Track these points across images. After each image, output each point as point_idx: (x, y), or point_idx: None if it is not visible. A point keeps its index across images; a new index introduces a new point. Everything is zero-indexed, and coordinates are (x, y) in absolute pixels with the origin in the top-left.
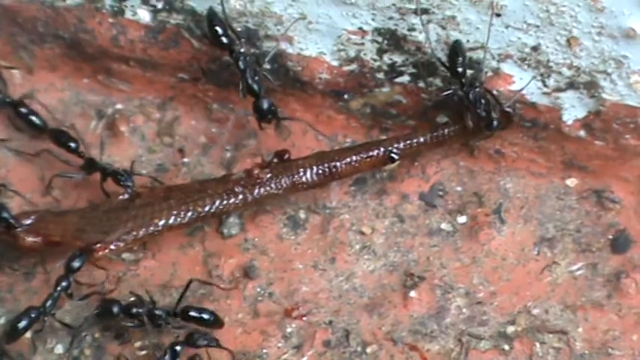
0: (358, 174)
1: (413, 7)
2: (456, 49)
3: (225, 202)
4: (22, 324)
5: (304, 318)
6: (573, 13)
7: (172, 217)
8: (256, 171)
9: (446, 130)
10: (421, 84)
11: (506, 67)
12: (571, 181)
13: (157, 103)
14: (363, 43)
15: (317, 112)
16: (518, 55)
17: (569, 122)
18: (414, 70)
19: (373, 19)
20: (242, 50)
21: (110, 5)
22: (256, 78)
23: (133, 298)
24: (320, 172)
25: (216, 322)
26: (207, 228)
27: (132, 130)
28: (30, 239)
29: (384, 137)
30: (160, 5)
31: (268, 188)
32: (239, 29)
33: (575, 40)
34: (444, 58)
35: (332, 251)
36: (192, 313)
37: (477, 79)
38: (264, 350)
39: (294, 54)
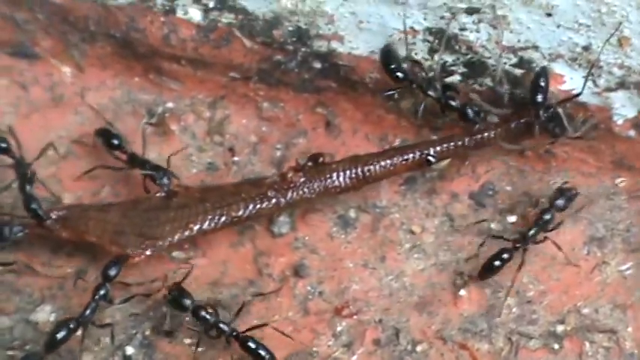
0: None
1: (464, 6)
2: (540, 77)
3: (258, 206)
4: (61, 335)
5: (354, 316)
6: (625, 12)
7: (207, 222)
8: (290, 174)
9: (485, 134)
10: (472, 83)
11: (557, 67)
12: (621, 181)
13: (207, 101)
14: (414, 43)
15: (367, 111)
16: (569, 55)
17: (620, 122)
18: (464, 70)
19: (425, 19)
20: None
21: (161, 4)
22: (448, 94)
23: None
24: (353, 176)
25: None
26: (257, 227)
27: (182, 129)
28: (65, 234)
29: (420, 140)
30: (211, 4)
31: (301, 192)
32: (290, 29)
33: (626, 40)
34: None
35: (382, 250)
36: (251, 344)
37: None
38: (315, 348)
39: (344, 53)
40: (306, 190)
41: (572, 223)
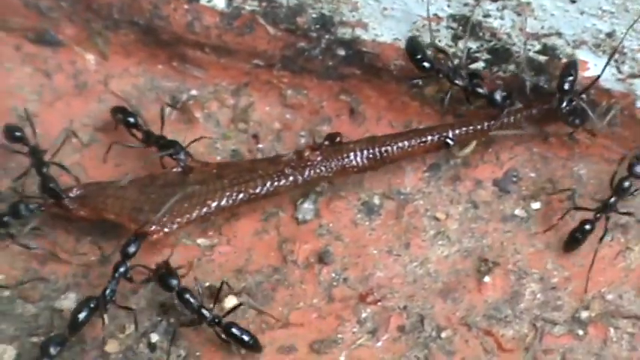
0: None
1: None
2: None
3: (275, 183)
4: (82, 315)
5: (379, 303)
6: None
7: (225, 199)
8: (307, 153)
9: (505, 119)
10: (496, 70)
11: (582, 54)
12: None
13: (231, 89)
14: (437, 30)
15: (391, 98)
16: (592, 42)
17: None
18: (488, 57)
19: (448, 6)
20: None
21: None
22: (474, 81)
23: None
24: (371, 156)
25: (255, 346)
26: (281, 214)
27: (206, 116)
28: (82, 213)
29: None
30: None
31: (318, 170)
32: (313, 16)
33: None
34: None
35: (406, 237)
36: (234, 330)
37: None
38: (339, 335)
39: (368, 40)
40: (323, 168)
41: None
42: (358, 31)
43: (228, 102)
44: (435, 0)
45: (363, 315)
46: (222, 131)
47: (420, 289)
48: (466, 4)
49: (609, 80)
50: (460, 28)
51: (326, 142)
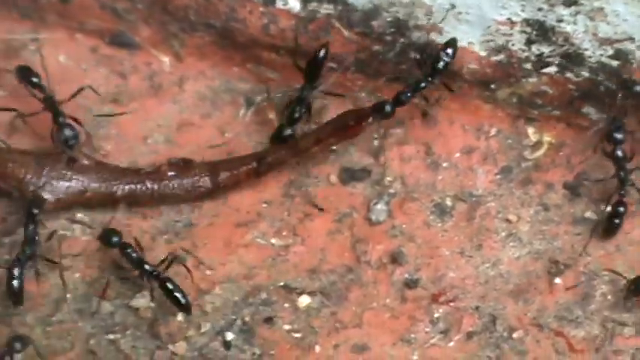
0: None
1: None
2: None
3: (135, 189)
4: (16, 282)
5: (451, 303)
6: None
7: (96, 194)
8: (164, 167)
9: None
10: (568, 74)
11: None
12: None
13: None
14: (511, 34)
15: (464, 101)
16: None
17: None
18: (561, 61)
19: (522, 10)
20: None
21: None
22: None
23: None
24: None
25: (186, 306)
26: (355, 214)
27: (280, 118)
28: None
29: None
30: None
31: (171, 186)
32: (388, 19)
33: None
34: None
35: (478, 238)
36: (169, 285)
37: None
38: (412, 335)
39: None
40: (175, 185)
41: None
42: (432, 35)
43: None
44: (510, 5)
45: (436, 315)
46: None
47: (491, 290)
48: (540, 9)
49: None
50: (534, 32)
51: (180, 163)
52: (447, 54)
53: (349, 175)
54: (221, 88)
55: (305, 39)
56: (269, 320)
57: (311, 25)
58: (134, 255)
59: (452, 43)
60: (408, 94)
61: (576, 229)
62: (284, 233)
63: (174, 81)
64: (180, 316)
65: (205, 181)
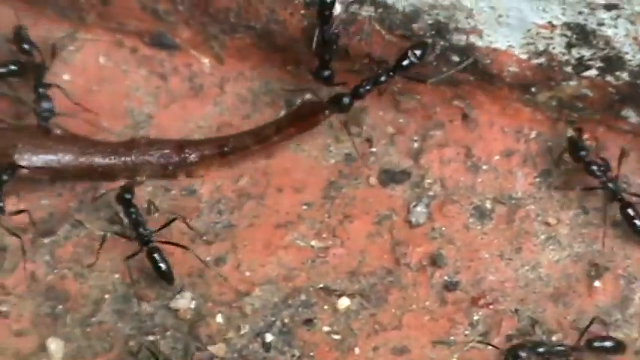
0: None
1: (603, 2)
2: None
3: (108, 159)
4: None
5: (490, 306)
6: None
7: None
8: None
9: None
10: (609, 78)
11: None
12: None
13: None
14: (552, 37)
15: (504, 104)
16: None
17: None
18: (601, 64)
19: (563, 14)
20: None
21: None
22: None
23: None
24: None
25: (168, 277)
26: (394, 217)
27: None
28: None
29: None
30: None
31: (146, 157)
32: (429, 22)
33: None
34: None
35: (518, 241)
36: (155, 256)
37: None
38: (452, 337)
39: (483, 47)
40: (149, 157)
41: None
42: (473, 38)
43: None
44: (550, 8)
45: (475, 317)
46: (336, 134)
47: (531, 293)
48: (580, 13)
49: None
50: (574, 36)
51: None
52: (414, 54)
53: (389, 177)
54: (261, 89)
55: (346, 41)
56: (308, 322)
57: (352, 27)
58: (134, 216)
59: (423, 45)
60: (367, 87)
61: (616, 232)
62: (324, 235)
63: (215, 82)
64: (220, 318)
65: (172, 156)
